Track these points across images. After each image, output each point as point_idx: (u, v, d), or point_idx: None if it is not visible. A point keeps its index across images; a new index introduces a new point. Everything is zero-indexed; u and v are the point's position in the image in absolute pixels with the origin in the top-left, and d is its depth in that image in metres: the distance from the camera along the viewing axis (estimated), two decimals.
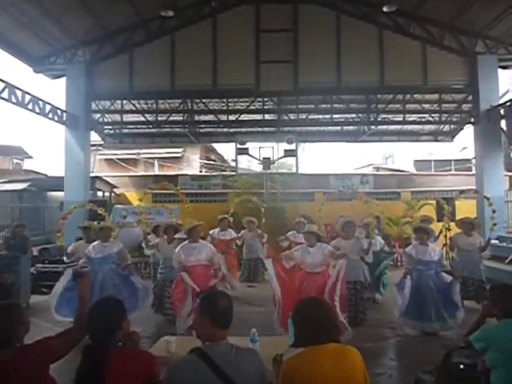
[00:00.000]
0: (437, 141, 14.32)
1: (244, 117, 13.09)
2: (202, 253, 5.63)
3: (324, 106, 12.75)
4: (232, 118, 13.07)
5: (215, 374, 1.84)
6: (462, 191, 9.17)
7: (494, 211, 7.01)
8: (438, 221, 11.38)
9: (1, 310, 2.24)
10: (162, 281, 6.39)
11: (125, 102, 12.66)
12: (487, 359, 2.53)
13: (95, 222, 6.90)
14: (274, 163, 12.06)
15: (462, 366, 2.89)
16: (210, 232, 8.27)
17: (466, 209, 12.09)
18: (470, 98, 11.92)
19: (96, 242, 5.89)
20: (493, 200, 9.97)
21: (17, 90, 9.54)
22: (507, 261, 8.97)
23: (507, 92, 15.55)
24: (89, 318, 2.17)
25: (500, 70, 11.98)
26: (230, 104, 12.96)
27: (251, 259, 9.36)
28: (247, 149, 11.94)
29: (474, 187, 12.03)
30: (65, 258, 6.38)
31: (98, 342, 2.09)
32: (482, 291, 6.21)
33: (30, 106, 10.02)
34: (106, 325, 2.11)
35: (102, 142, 14.85)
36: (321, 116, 13.16)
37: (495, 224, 7.02)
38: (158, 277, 6.62)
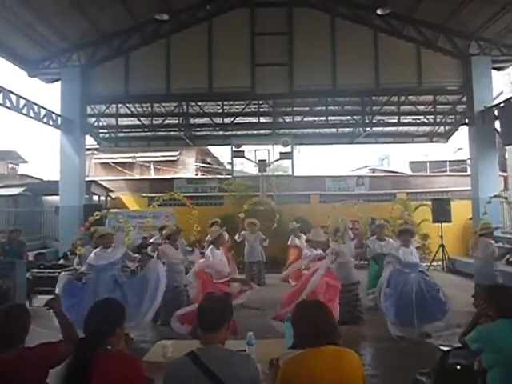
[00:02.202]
0: (432, 142, 14.39)
1: (239, 119, 13.12)
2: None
3: (319, 108, 12.78)
4: (227, 120, 13.09)
5: (206, 376, 1.86)
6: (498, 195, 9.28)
7: None
8: (435, 222, 11.48)
9: (13, 310, 2.29)
10: (172, 290, 6.11)
11: (120, 105, 12.63)
12: (483, 359, 2.54)
13: (104, 228, 6.83)
14: (269, 166, 12.08)
15: (458, 367, 2.91)
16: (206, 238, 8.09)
17: (461, 210, 12.20)
18: (465, 99, 11.99)
19: (98, 249, 5.69)
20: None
21: (11, 95, 9.50)
22: (503, 261, 9.01)
23: (501, 93, 15.65)
24: (87, 315, 2.12)
25: (494, 72, 12.08)
26: (225, 107, 12.97)
27: (253, 262, 9.29)
28: (243, 151, 11.96)
29: (469, 188, 12.11)
30: (82, 268, 6.00)
31: (88, 340, 2.04)
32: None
33: (24, 111, 9.96)
34: (99, 327, 2.06)
35: (98, 146, 14.82)
36: (316, 118, 13.18)
37: None
38: None
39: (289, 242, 8.70)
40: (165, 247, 6.34)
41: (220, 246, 5.64)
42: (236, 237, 9.17)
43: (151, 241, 8.85)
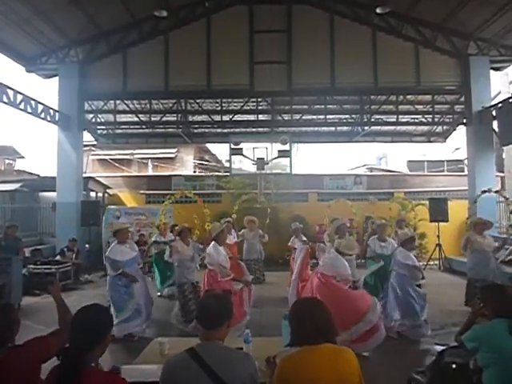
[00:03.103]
0: (430, 142, 14.39)
1: (238, 117, 13.07)
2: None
3: (318, 106, 12.75)
4: (226, 118, 13.03)
5: (205, 372, 1.85)
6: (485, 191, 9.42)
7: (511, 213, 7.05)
8: (432, 221, 11.51)
9: (3, 310, 2.30)
10: (180, 286, 6.14)
11: (118, 102, 12.58)
12: (479, 359, 2.55)
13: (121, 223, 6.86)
14: (268, 163, 12.07)
15: (454, 366, 2.91)
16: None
17: (458, 209, 12.23)
18: (463, 99, 12.00)
19: (116, 245, 5.64)
20: (485, 200, 10.08)
21: (8, 90, 9.43)
22: (499, 261, 9.05)
23: (499, 93, 15.69)
24: (74, 321, 1.92)
25: (492, 72, 12.09)
26: (223, 104, 12.92)
27: (252, 260, 9.28)
28: (241, 149, 11.93)
29: (466, 188, 12.14)
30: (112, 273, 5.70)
31: (75, 349, 1.84)
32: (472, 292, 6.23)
33: (21, 106, 9.90)
34: (90, 333, 1.88)
35: (95, 143, 14.76)
36: (315, 116, 13.17)
37: None
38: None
39: (289, 243, 8.63)
40: (176, 243, 6.33)
41: (222, 243, 5.65)
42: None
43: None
